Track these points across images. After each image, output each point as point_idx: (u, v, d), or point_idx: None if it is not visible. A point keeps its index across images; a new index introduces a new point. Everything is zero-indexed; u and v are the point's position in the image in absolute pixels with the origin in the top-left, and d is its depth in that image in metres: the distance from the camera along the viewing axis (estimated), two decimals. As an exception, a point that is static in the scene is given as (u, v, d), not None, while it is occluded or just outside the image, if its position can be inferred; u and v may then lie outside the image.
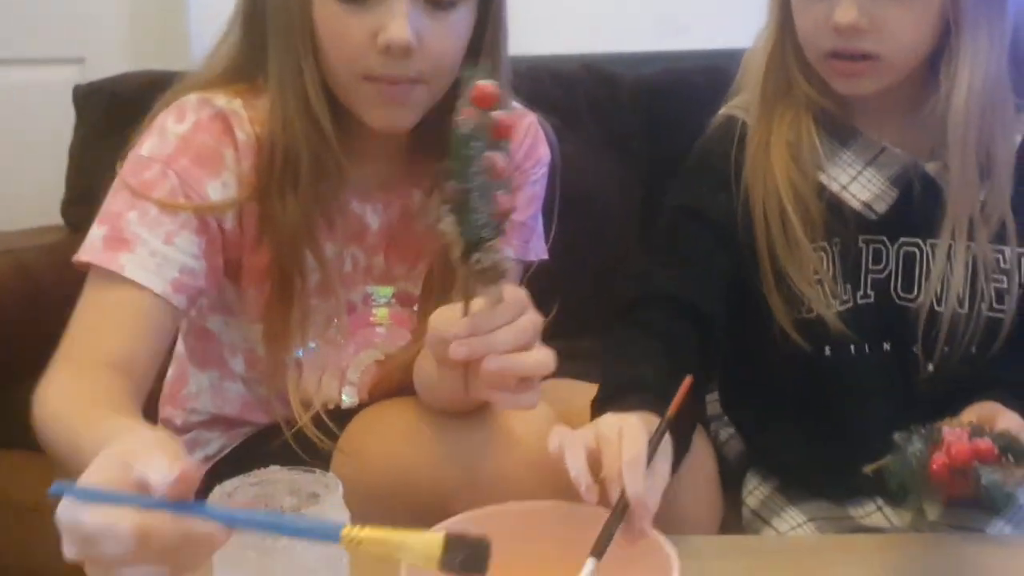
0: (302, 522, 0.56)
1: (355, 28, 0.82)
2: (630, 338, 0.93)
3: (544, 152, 0.99)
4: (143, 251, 0.81)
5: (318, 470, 0.61)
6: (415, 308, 0.98)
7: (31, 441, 1.14)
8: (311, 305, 0.89)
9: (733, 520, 1.02)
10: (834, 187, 0.93)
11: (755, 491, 1.03)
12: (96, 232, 0.83)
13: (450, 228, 0.67)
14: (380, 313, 0.97)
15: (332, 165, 0.86)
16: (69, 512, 0.52)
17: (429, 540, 0.51)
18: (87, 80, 1.59)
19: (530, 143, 0.98)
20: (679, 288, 0.94)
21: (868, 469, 0.75)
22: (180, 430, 1.01)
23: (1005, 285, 0.93)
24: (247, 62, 0.89)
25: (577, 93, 1.48)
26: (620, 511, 0.66)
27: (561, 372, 1.14)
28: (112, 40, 1.87)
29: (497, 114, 0.65)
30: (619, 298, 0.99)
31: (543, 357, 0.71)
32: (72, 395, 0.75)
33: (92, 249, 0.82)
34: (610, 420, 0.73)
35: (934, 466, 0.71)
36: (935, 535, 0.88)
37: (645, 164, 1.47)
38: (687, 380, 0.73)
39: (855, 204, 0.93)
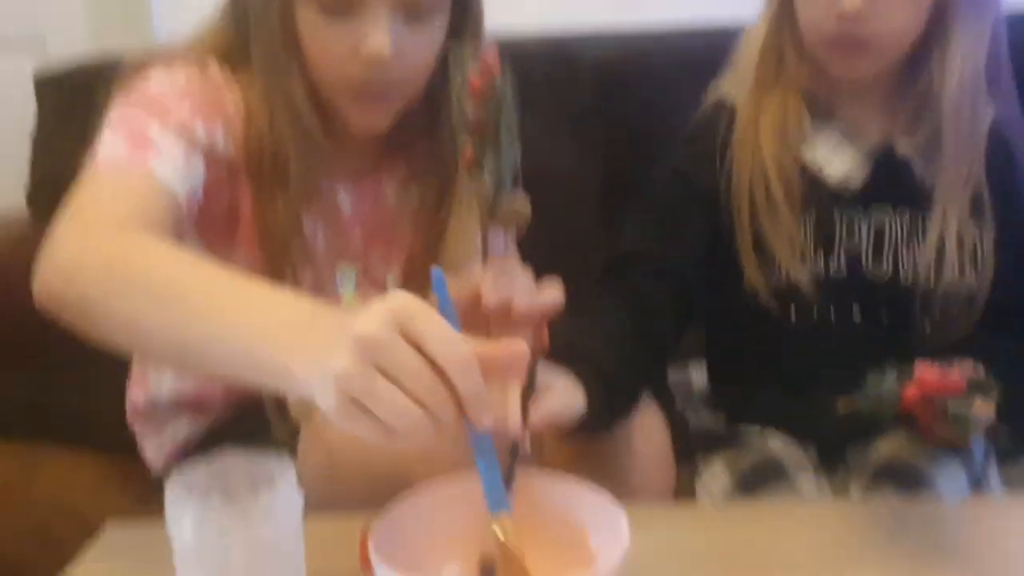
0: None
1: (337, 39, 0.85)
2: (601, 300, 0.99)
3: None
4: (168, 158, 0.82)
5: (273, 455, 0.64)
6: (386, 291, 1.00)
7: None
8: (290, 283, 0.92)
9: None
10: (815, 160, 0.99)
11: (717, 478, 1.05)
12: (112, 139, 0.82)
13: (483, 174, 0.73)
14: (347, 296, 1.00)
15: (317, 163, 0.91)
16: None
17: None
18: (47, 58, 1.57)
19: None
20: (660, 250, 1.01)
21: (841, 406, 0.79)
22: (150, 415, 1.03)
23: (968, 257, 0.98)
24: (233, 51, 0.91)
25: (534, 72, 1.42)
26: (512, 456, 0.69)
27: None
28: (72, 17, 1.85)
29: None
30: (604, 258, 1.06)
31: (557, 291, 0.77)
32: (134, 244, 0.72)
33: (114, 154, 0.81)
34: None
35: (906, 397, 0.76)
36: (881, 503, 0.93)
37: (603, 144, 1.47)
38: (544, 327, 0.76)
39: (832, 178, 0.99)
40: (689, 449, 1.10)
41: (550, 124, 1.44)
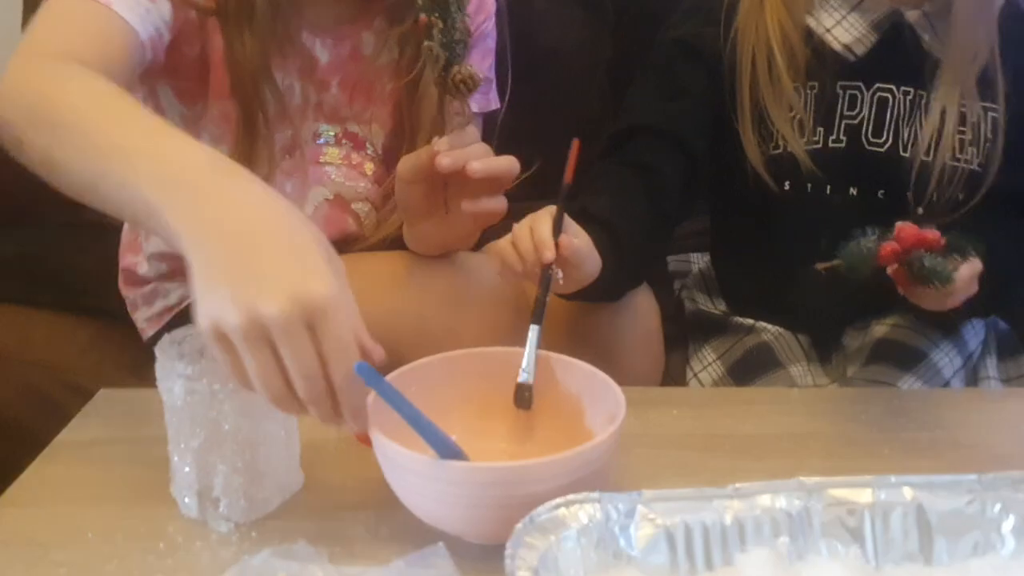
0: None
1: None
2: (609, 169, 0.99)
3: (490, 2, 1.01)
4: None
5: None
6: (368, 152, 1.00)
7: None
8: (261, 135, 0.92)
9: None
10: (819, 30, 0.97)
11: (709, 368, 1.05)
12: None
13: (435, 42, 0.74)
14: (330, 152, 0.99)
15: (287, 2, 0.89)
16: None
17: None
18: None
19: None
20: (665, 120, 0.99)
21: (820, 266, 0.79)
22: (141, 281, 1.02)
23: (969, 137, 0.96)
24: None
25: None
26: (545, 282, 0.73)
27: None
28: None
29: None
30: (610, 131, 1.04)
31: (511, 158, 0.79)
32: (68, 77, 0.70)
33: None
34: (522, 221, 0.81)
35: (883, 251, 0.76)
36: (857, 389, 0.95)
37: (614, 19, 1.41)
38: (575, 143, 0.79)
39: (836, 46, 0.97)
40: (683, 336, 1.11)
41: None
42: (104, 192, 0.62)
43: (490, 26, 1.02)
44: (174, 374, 0.58)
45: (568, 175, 0.79)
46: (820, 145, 0.97)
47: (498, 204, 0.81)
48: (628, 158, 0.99)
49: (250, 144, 0.91)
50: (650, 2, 1.38)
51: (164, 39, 0.85)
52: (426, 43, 0.75)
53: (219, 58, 0.90)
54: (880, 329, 0.99)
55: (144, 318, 1.03)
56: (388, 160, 1.01)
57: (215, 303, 0.54)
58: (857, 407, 0.84)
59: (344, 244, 1.00)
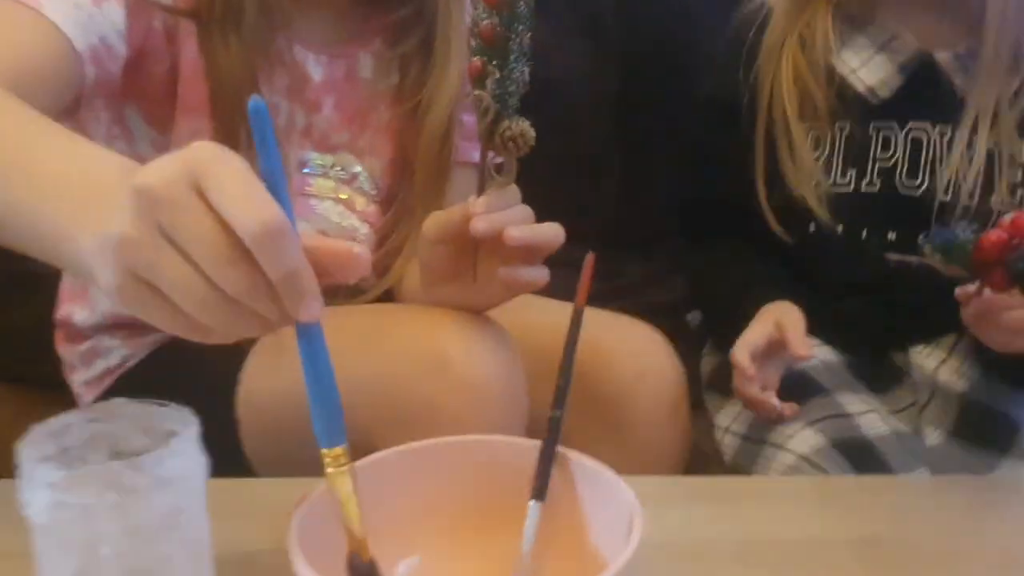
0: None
1: None
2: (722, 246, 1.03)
3: None
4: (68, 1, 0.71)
5: (172, 403, 0.49)
6: (361, 186, 0.91)
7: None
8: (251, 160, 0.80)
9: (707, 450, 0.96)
10: (844, 71, 0.94)
11: (741, 416, 0.96)
12: None
13: (486, 91, 0.66)
14: (318, 184, 0.89)
15: (277, 5, 0.82)
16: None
17: None
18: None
19: None
20: (725, 191, 1.00)
21: (895, 258, 0.80)
22: (79, 336, 0.91)
23: (1019, 179, 0.92)
24: None
25: None
26: (553, 435, 0.57)
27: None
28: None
29: None
30: (680, 202, 1.09)
31: (557, 227, 0.70)
32: None
33: None
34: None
35: (986, 240, 0.69)
36: (932, 480, 0.82)
37: (621, 51, 1.35)
38: (589, 258, 0.66)
39: (860, 87, 0.94)
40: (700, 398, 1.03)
41: (566, 26, 1.35)
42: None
43: None
44: (37, 481, 0.44)
45: (581, 298, 0.63)
46: (852, 188, 0.94)
47: (539, 275, 0.71)
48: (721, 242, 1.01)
49: None
50: (658, 34, 1.34)
51: (117, 52, 0.75)
52: (476, 92, 0.66)
53: (191, 69, 0.80)
54: (951, 377, 0.91)
55: (81, 381, 0.91)
56: (383, 198, 0.92)
57: (101, 244, 0.44)
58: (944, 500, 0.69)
59: (327, 292, 0.87)
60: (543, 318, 0.83)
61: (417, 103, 0.88)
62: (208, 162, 0.43)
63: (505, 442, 0.58)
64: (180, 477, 0.46)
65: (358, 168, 0.91)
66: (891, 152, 0.94)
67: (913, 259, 0.74)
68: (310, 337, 0.46)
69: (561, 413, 0.57)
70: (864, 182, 0.94)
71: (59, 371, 0.93)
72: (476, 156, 0.86)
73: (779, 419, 0.87)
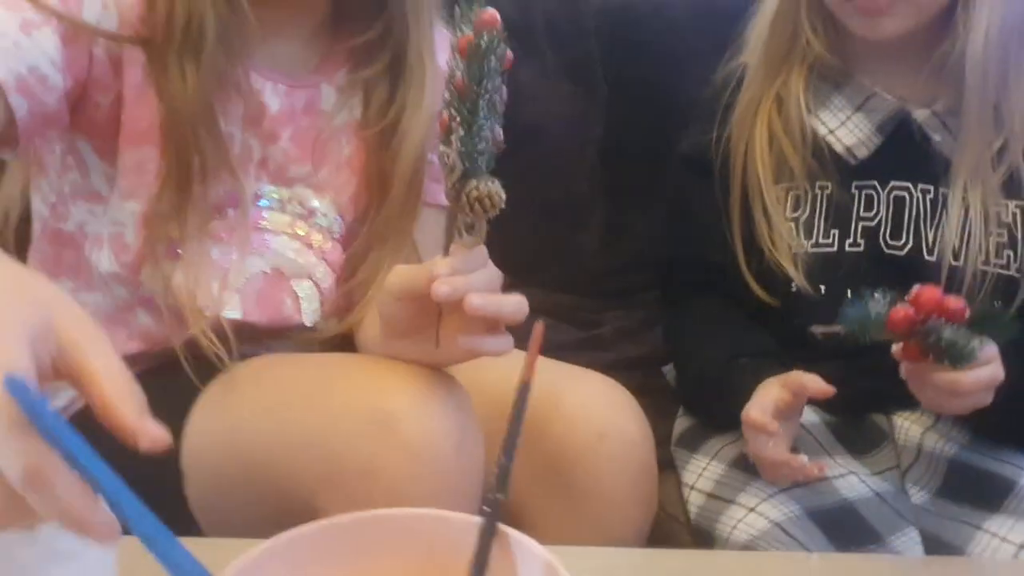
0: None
1: None
2: (710, 306, 1.00)
3: None
4: None
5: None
6: (319, 223, 0.88)
7: None
8: (194, 191, 0.79)
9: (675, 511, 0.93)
10: (822, 131, 0.94)
11: (705, 471, 0.93)
12: None
13: (453, 148, 0.64)
14: (273, 218, 0.86)
15: (238, 34, 0.78)
16: None
17: None
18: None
19: None
20: (701, 250, 0.99)
21: (818, 330, 0.75)
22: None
23: (1006, 239, 0.91)
24: None
25: (534, 12, 1.35)
26: (492, 519, 0.51)
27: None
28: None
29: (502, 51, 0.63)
30: (659, 258, 1.07)
31: (521, 300, 0.68)
32: None
33: None
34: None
35: (894, 315, 0.69)
36: (921, 560, 0.78)
37: (606, 94, 1.35)
38: (538, 328, 0.61)
39: (838, 148, 0.93)
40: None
41: (551, 70, 1.35)
42: None
43: None
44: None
45: (528, 371, 0.56)
46: (835, 248, 0.93)
47: (502, 345, 0.69)
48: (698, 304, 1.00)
49: (178, 200, 0.78)
50: (645, 77, 1.34)
51: (52, 83, 0.73)
52: (441, 148, 0.64)
53: (136, 96, 0.78)
54: (937, 442, 0.89)
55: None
56: (345, 235, 0.88)
57: None
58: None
59: (279, 332, 0.86)
60: (505, 370, 0.81)
61: (382, 133, 0.86)
62: None
63: (440, 518, 0.53)
64: (79, 553, 0.44)
65: (316, 203, 0.88)
66: (874, 211, 0.93)
67: (838, 329, 0.71)
68: (62, 440, 0.41)
69: (503, 495, 0.51)
70: (848, 242, 0.93)
71: None
72: (441, 199, 0.83)
73: (806, 479, 0.82)
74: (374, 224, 0.87)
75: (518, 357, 0.79)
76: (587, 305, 1.30)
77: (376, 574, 0.51)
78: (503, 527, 0.51)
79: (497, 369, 0.79)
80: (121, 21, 0.76)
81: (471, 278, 0.65)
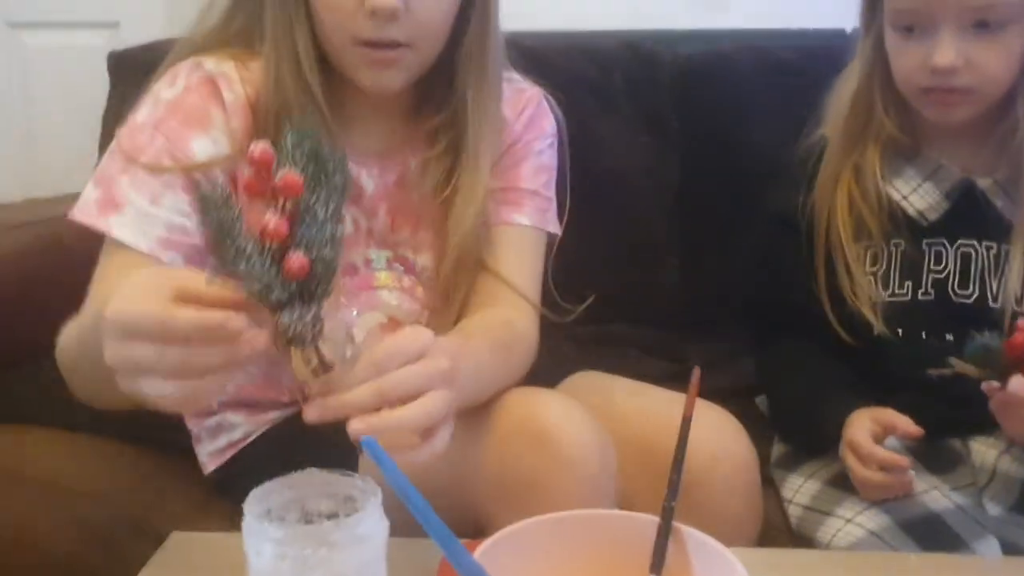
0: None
1: None
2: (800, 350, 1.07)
3: (548, 124, 1.01)
4: (131, 212, 0.84)
5: (356, 474, 0.59)
6: (418, 276, 0.98)
7: (52, 418, 1.15)
8: None
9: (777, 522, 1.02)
10: (896, 196, 1.03)
11: (803, 488, 1.03)
12: (90, 193, 0.86)
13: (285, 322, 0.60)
14: (382, 276, 0.98)
15: (322, 127, 0.87)
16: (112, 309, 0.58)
17: None
18: (121, 45, 1.57)
19: (530, 115, 1.00)
20: (781, 295, 1.08)
21: (934, 372, 0.83)
22: (208, 412, 1.00)
23: None
24: (243, 24, 0.91)
25: (613, 72, 1.45)
26: (667, 521, 0.64)
27: (593, 357, 1.16)
28: (147, 4, 1.86)
29: (282, 174, 0.60)
30: (746, 300, 1.17)
31: (419, 409, 0.63)
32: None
33: (86, 211, 0.85)
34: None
35: (1013, 341, 0.78)
36: (1003, 560, 0.88)
37: (681, 146, 1.44)
38: (696, 372, 0.74)
39: (911, 211, 1.03)
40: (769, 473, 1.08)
41: (629, 123, 1.43)
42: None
43: (545, 144, 1.01)
44: (264, 536, 0.55)
45: (689, 408, 0.68)
46: (909, 298, 1.03)
47: (419, 456, 0.65)
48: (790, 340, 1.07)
49: None
50: (715, 127, 1.43)
51: (191, 229, 0.84)
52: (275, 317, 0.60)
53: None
54: (1011, 465, 0.99)
55: (207, 452, 1.00)
56: (436, 284, 0.98)
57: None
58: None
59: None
60: (613, 394, 0.92)
61: (446, 201, 0.93)
62: None
63: (623, 517, 0.65)
64: (371, 535, 0.56)
65: (416, 259, 0.98)
66: (943, 265, 1.03)
67: (948, 371, 0.81)
68: (402, 490, 0.52)
69: (674, 504, 0.63)
70: (920, 292, 1.03)
71: (181, 438, 1.01)
72: (516, 218, 0.96)
73: (903, 492, 0.94)
74: (440, 274, 0.95)
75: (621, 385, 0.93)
76: (672, 338, 1.38)
77: (571, 568, 0.62)
78: (678, 525, 0.63)
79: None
80: (231, 141, 0.87)
81: (347, 398, 0.62)
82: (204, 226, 0.59)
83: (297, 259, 0.59)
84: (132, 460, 1.10)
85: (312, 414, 0.62)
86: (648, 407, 0.91)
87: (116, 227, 0.83)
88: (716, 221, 1.42)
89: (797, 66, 1.42)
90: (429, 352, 0.66)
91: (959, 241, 1.03)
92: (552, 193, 1.01)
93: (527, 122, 1.00)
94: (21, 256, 1.24)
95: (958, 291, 1.03)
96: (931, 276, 1.03)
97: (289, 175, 0.59)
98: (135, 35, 1.67)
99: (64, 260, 1.18)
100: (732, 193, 1.39)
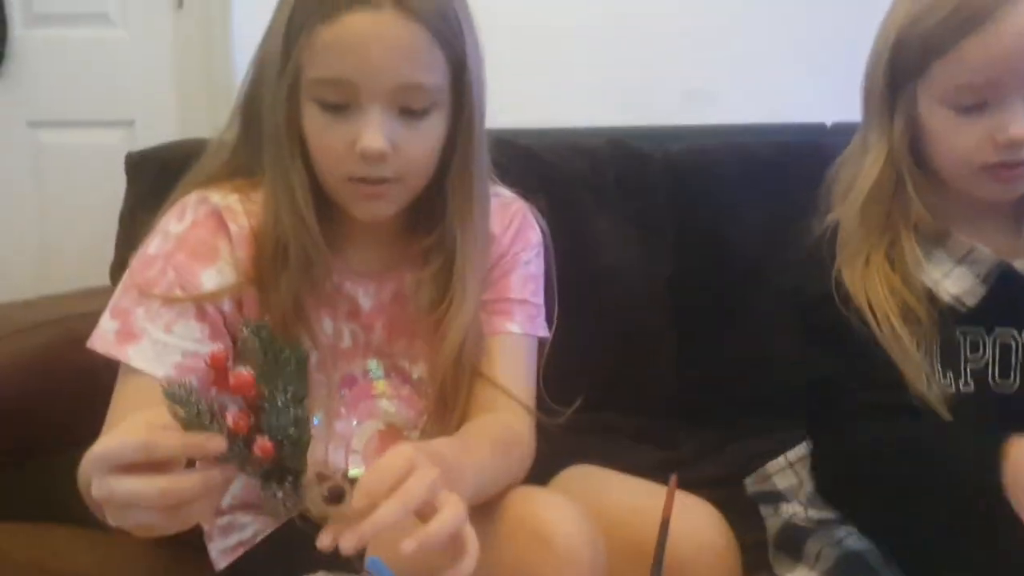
0: None
1: (336, 136, 0.89)
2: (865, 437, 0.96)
3: (534, 235, 1.07)
4: (147, 342, 0.89)
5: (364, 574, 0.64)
6: (415, 385, 1.02)
7: (77, 515, 1.17)
8: (313, 380, 0.95)
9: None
10: (928, 282, 0.97)
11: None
12: (108, 325, 0.91)
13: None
14: (380, 385, 1.02)
15: (317, 255, 0.94)
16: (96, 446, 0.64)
17: None
18: (136, 142, 1.63)
19: (517, 228, 1.06)
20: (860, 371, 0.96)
21: None
22: (219, 511, 1.03)
23: None
24: (246, 158, 0.97)
25: (605, 168, 1.50)
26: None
27: (587, 446, 1.18)
28: (161, 103, 1.94)
29: (233, 376, 0.65)
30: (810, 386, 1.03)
31: (448, 512, 0.69)
32: None
33: (105, 341, 0.90)
34: None
35: None
36: None
37: (672, 240, 1.48)
38: (674, 480, 0.75)
39: (946, 297, 0.97)
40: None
41: (623, 219, 1.47)
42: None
43: (532, 255, 1.06)
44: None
45: (667, 510, 0.73)
46: (953, 390, 0.96)
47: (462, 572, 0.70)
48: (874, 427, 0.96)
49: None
50: (708, 220, 1.46)
51: (204, 352, 0.87)
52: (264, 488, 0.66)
53: (250, 309, 0.94)
54: None
55: (218, 549, 1.04)
56: (431, 392, 1.01)
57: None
58: None
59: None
60: (609, 492, 0.95)
61: (437, 321, 0.97)
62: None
63: None
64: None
65: (409, 368, 1.02)
66: (981, 354, 0.97)
67: None
68: None
69: None
70: (960, 383, 0.97)
71: (192, 535, 1.02)
72: (507, 327, 1.00)
73: None
74: (432, 384, 0.99)
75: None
76: (663, 427, 1.41)
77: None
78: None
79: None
80: (236, 270, 0.93)
81: (375, 519, 0.66)
82: (176, 419, 0.63)
83: (261, 445, 0.64)
84: (151, 555, 1.13)
85: (325, 541, 0.66)
86: (637, 504, 0.94)
87: (135, 357, 0.88)
88: (707, 312, 1.45)
89: (778, 162, 1.46)
90: (417, 464, 0.70)
91: (997, 330, 0.97)
92: (540, 300, 1.06)
93: (514, 235, 1.05)
94: (45, 349, 1.29)
95: (999, 381, 0.97)
96: (969, 365, 0.98)
97: (239, 375, 0.64)
98: (150, 133, 1.76)
99: (83, 356, 1.23)
100: (723, 284, 1.44)
